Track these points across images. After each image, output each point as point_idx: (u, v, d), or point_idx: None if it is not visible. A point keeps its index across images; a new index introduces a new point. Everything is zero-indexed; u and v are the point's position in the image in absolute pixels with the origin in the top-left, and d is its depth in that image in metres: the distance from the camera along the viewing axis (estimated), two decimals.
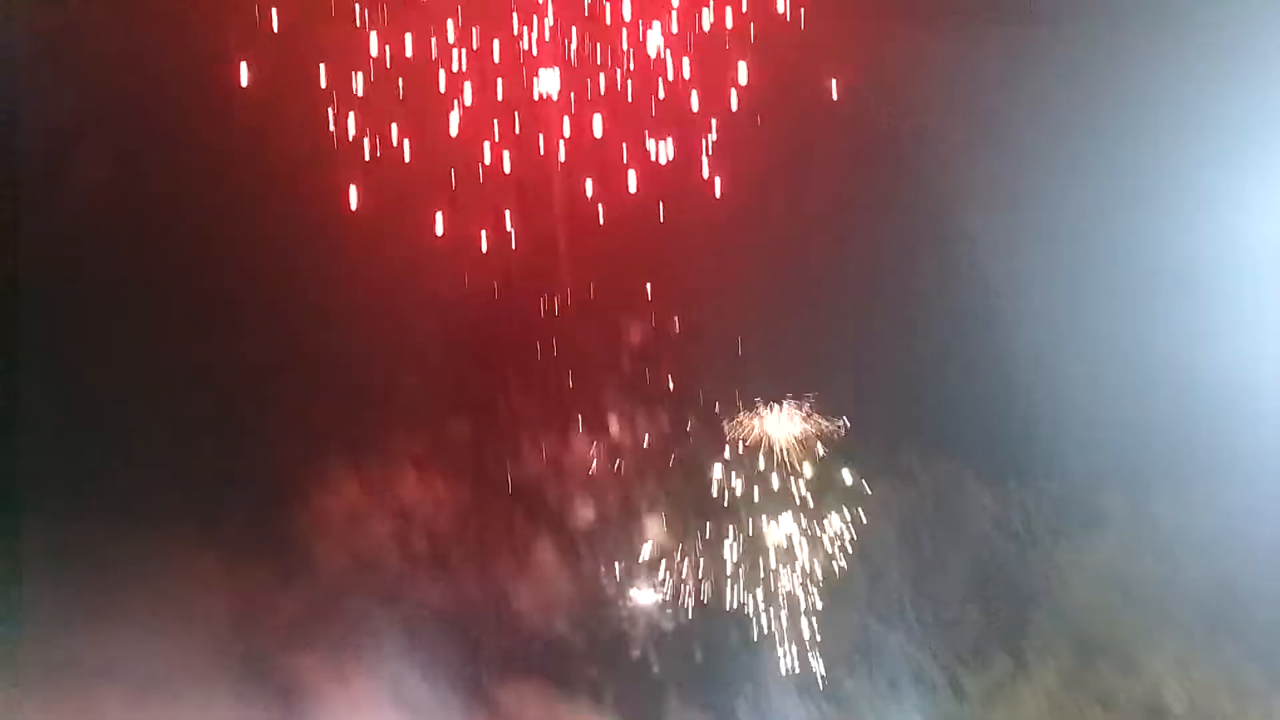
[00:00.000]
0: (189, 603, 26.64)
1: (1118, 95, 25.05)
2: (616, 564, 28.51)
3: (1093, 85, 25.46)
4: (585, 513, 28.78)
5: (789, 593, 27.04)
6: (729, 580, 27.74)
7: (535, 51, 27.18)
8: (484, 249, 27.95)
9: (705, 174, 28.31)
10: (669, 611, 28.91)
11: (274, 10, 25.68)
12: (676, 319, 29.26)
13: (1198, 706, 19.79)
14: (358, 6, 26.39)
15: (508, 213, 27.87)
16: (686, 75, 27.57)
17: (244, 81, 26.35)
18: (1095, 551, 23.52)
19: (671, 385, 30.04)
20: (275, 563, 27.35)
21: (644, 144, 27.94)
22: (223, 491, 27.27)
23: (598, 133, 27.50)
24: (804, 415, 29.52)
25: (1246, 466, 22.54)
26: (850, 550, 26.63)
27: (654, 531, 28.77)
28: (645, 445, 29.18)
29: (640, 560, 28.68)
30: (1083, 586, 23.27)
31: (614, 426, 29.11)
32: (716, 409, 30.01)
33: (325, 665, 26.98)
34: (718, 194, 28.21)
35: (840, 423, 28.14)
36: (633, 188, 27.60)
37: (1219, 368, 23.04)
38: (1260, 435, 22.49)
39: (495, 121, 27.34)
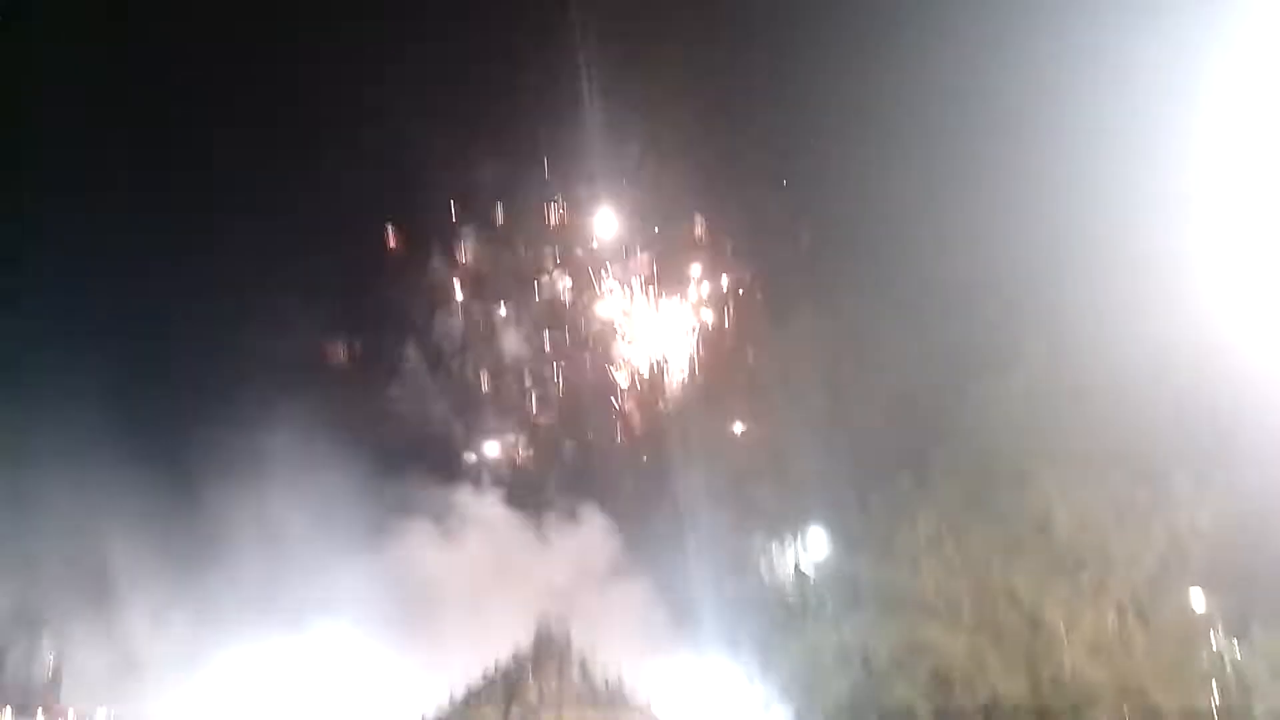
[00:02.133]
0: None
1: None
2: None
3: None
4: None
5: None
6: None
7: None
8: None
9: None
10: None
11: None
12: None
13: (1084, 523, 20.91)
14: None
15: None
16: None
17: None
18: (1010, 388, 24.22)
19: None
20: None
21: None
22: None
23: None
24: None
25: (1162, 309, 23.16)
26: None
27: None
28: None
29: None
30: (994, 419, 24.16)
31: None
32: None
33: None
34: None
35: None
36: None
37: (1141, 224, 23.61)
38: (1176, 282, 22.98)
39: None
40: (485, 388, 37.77)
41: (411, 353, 38.01)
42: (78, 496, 27.94)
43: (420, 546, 31.28)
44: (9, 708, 22.33)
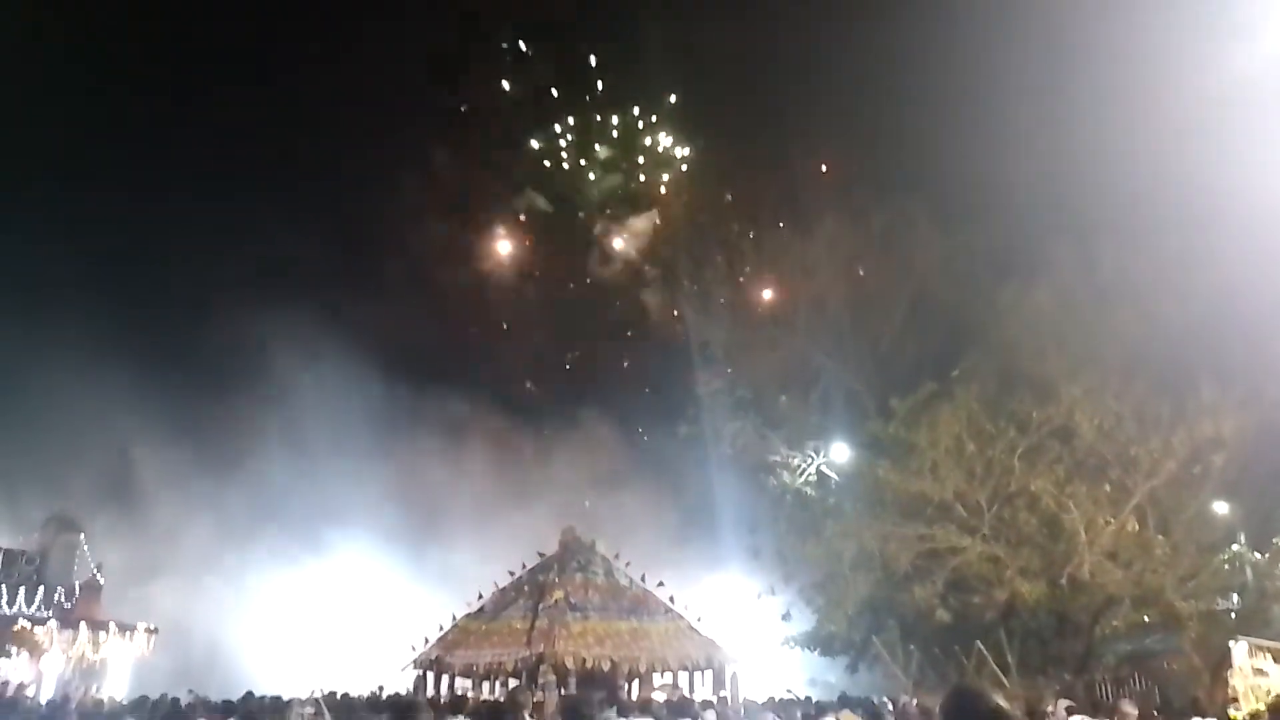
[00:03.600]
0: None
1: None
2: None
3: None
4: None
5: None
6: None
7: None
8: None
9: None
10: None
11: None
12: None
13: (1105, 432, 20.89)
14: None
15: None
16: None
17: None
18: (1038, 294, 23.97)
19: None
20: None
21: None
22: None
23: None
24: None
25: (1190, 216, 22.74)
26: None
27: None
28: None
29: None
30: (1018, 327, 24.05)
31: None
32: None
33: None
34: None
35: None
36: None
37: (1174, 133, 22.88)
38: (1203, 190, 22.46)
39: None
40: (482, 300, 37.58)
41: (407, 268, 37.77)
42: (99, 405, 28.28)
43: (428, 459, 31.71)
44: (53, 620, 23.03)
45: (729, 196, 38.46)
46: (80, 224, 33.48)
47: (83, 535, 27.10)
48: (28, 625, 22.40)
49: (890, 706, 8.70)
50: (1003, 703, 2.61)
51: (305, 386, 31.49)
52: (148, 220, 34.61)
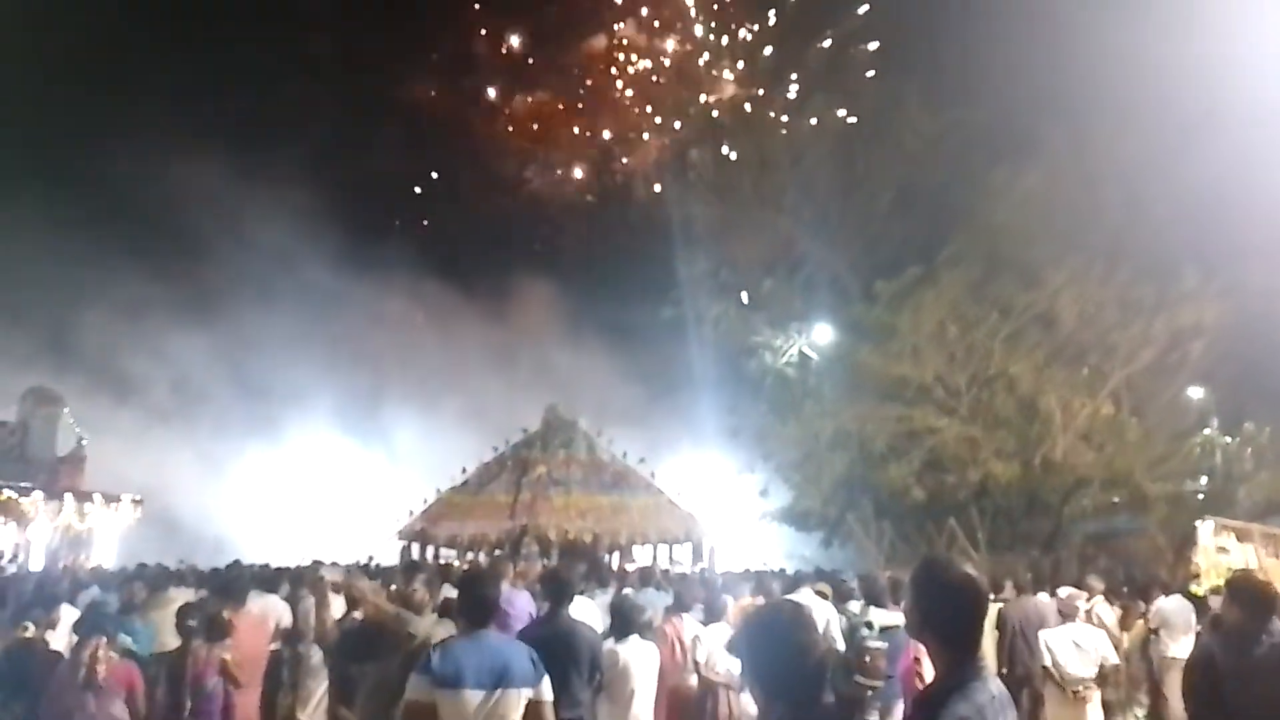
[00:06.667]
0: None
1: None
2: None
3: None
4: None
5: None
6: None
7: None
8: None
9: None
10: None
11: None
12: None
13: (1087, 318, 20.96)
14: None
15: None
16: None
17: None
18: (1025, 177, 23.60)
19: None
20: None
21: None
22: None
23: None
24: None
25: (1181, 101, 22.28)
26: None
27: None
28: None
29: None
30: (1006, 210, 23.74)
31: None
32: None
33: None
34: None
35: None
36: None
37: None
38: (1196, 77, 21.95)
39: None
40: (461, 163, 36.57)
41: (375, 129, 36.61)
42: (63, 279, 27.90)
43: (409, 335, 31.58)
44: (39, 490, 23.16)
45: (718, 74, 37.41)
46: (34, 93, 32.29)
47: (66, 409, 27.11)
48: (13, 495, 22.56)
49: (856, 580, 8.88)
50: (971, 570, 2.59)
51: (278, 258, 31.32)
52: (102, 85, 33.47)
